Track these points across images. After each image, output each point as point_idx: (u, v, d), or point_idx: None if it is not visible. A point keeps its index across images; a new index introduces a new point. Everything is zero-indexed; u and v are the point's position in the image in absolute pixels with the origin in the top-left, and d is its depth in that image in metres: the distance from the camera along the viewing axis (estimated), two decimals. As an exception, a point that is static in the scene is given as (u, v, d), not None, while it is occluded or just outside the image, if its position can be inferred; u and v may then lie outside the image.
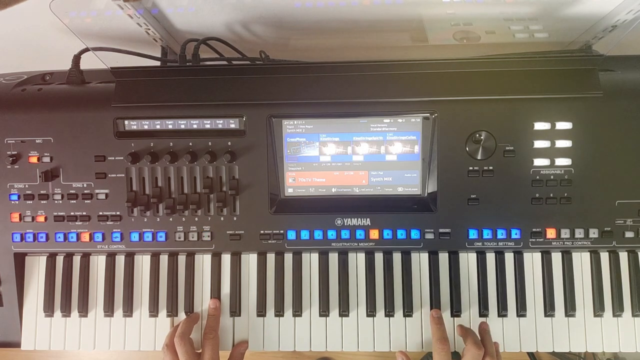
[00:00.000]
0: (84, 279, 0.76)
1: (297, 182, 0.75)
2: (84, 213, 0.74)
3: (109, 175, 0.74)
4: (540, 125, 0.71)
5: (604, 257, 0.73)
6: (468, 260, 0.74)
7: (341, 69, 0.73)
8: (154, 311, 0.75)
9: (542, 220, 0.72)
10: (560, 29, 0.84)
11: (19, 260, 0.77)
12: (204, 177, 0.74)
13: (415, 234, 0.73)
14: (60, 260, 0.77)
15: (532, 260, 0.74)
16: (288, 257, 0.75)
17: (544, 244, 0.72)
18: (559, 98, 0.71)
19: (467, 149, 0.72)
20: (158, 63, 0.85)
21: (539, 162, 0.71)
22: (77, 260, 0.77)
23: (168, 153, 0.72)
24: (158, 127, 0.74)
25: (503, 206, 0.72)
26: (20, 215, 0.75)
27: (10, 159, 0.74)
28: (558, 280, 0.73)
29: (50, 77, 0.83)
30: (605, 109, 0.70)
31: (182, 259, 0.76)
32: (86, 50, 0.77)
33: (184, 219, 0.74)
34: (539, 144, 0.71)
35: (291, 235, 0.74)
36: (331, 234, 0.74)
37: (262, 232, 0.74)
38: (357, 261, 0.75)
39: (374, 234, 0.73)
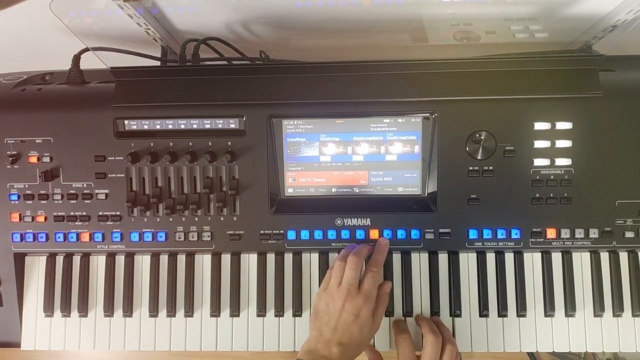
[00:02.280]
0: (83, 279, 0.76)
1: (297, 182, 0.75)
2: (84, 213, 0.74)
3: (109, 175, 0.74)
4: (540, 125, 0.71)
5: (604, 257, 0.73)
6: (468, 260, 0.74)
7: (341, 69, 0.73)
8: (153, 311, 0.75)
9: (542, 220, 0.72)
10: (560, 29, 0.84)
11: (19, 260, 0.77)
12: (204, 177, 0.74)
13: (415, 234, 0.73)
14: (60, 260, 0.77)
15: (532, 260, 0.74)
16: (288, 257, 0.75)
17: (544, 244, 0.72)
18: (559, 98, 0.71)
19: (467, 149, 0.72)
20: (158, 63, 0.85)
21: (539, 162, 0.71)
22: (77, 260, 0.77)
23: (168, 153, 0.72)
24: (158, 127, 0.74)
25: (503, 206, 0.72)
26: (20, 215, 0.75)
27: (10, 159, 0.74)
28: (558, 280, 0.73)
29: (50, 77, 0.82)
30: (605, 109, 0.70)
31: (182, 259, 0.76)
32: (86, 50, 0.77)
33: (184, 219, 0.74)
34: (539, 144, 0.71)
35: (291, 235, 0.74)
36: (331, 234, 0.74)
37: (262, 232, 0.74)
38: (357, 261, 0.75)
39: (374, 234, 0.73)
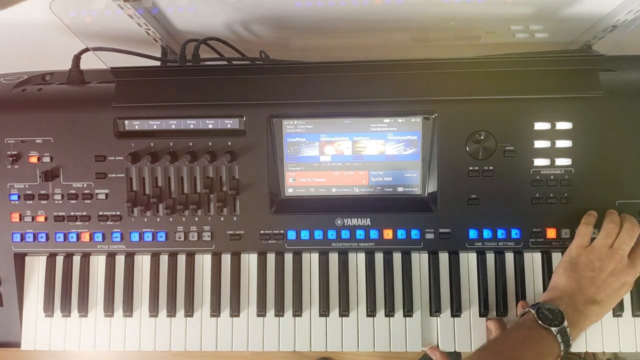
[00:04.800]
0: (83, 279, 0.76)
1: (297, 182, 0.75)
2: (84, 213, 0.74)
3: (109, 175, 0.74)
4: (540, 125, 0.71)
5: (604, 257, 0.73)
6: (468, 260, 0.74)
7: (341, 69, 0.73)
8: (154, 311, 0.75)
9: (542, 220, 0.72)
10: (560, 29, 0.84)
11: (19, 260, 0.77)
12: (204, 177, 0.74)
13: (415, 234, 0.73)
14: (60, 260, 0.77)
15: (533, 260, 0.74)
16: (288, 257, 0.75)
17: (544, 244, 0.72)
18: (559, 98, 0.71)
19: (467, 149, 0.72)
20: (158, 63, 0.85)
21: (539, 162, 0.71)
22: (77, 260, 0.77)
23: (168, 153, 0.72)
24: (158, 127, 0.74)
25: (503, 206, 0.72)
26: (20, 215, 0.75)
27: (10, 159, 0.74)
28: (558, 280, 0.73)
29: (50, 77, 0.83)
30: (605, 109, 0.70)
31: (182, 259, 0.76)
32: (86, 50, 0.77)
33: (184, 219, 0.74)
34: (539, 144, 0.71)
35: (291, 235, 0.74)
36: (331, 234, 0.74)
37: (262, 232, 0.74)
38: (357, 261, 0.75)
39: (374, 234, 0.73)
